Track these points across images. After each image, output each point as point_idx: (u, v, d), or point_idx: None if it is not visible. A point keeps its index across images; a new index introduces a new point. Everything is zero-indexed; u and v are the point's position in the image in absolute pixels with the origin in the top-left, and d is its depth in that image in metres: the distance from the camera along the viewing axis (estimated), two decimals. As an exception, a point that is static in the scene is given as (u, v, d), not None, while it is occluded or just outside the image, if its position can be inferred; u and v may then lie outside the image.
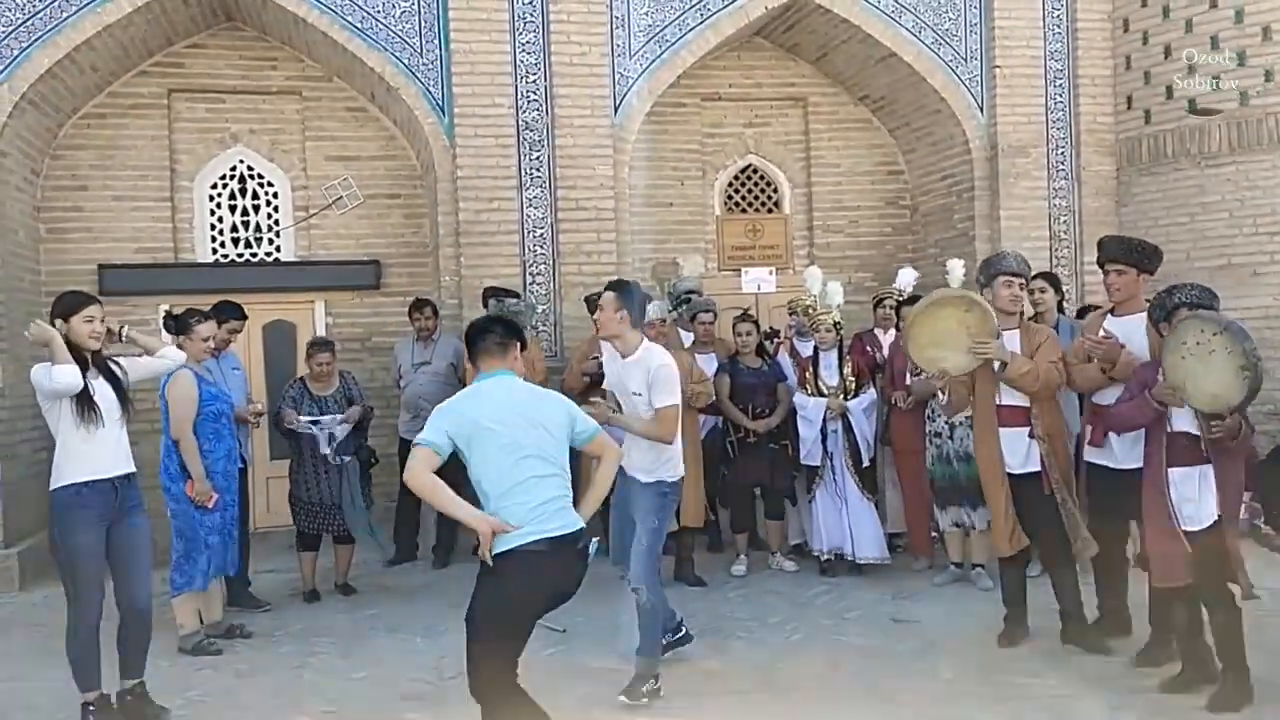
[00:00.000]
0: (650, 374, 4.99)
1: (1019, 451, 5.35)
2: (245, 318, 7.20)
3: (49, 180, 8.98)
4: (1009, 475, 5.36)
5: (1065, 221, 9.68)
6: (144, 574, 4.88)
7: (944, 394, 5.45)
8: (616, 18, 8.92)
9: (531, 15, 8.71)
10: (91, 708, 4.72)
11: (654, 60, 9.02)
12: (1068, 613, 5.43)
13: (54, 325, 4.70)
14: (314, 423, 6.94)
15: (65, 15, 7.94)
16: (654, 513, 5.13)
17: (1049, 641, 5.48)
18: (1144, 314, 5.08)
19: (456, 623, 6.25)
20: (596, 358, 7.53)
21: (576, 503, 3.91)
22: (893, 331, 7.71)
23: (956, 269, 7.30)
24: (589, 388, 7.04)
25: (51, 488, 4.66)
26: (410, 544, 8.15)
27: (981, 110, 9.65)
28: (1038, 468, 5.32)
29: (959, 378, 5.38)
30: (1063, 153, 9.69)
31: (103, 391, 4.74)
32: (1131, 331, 5.12)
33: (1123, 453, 5.09)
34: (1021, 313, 5.65)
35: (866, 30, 9.41)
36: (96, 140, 9.08)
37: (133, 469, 4.88)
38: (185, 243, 9.35)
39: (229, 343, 7.02)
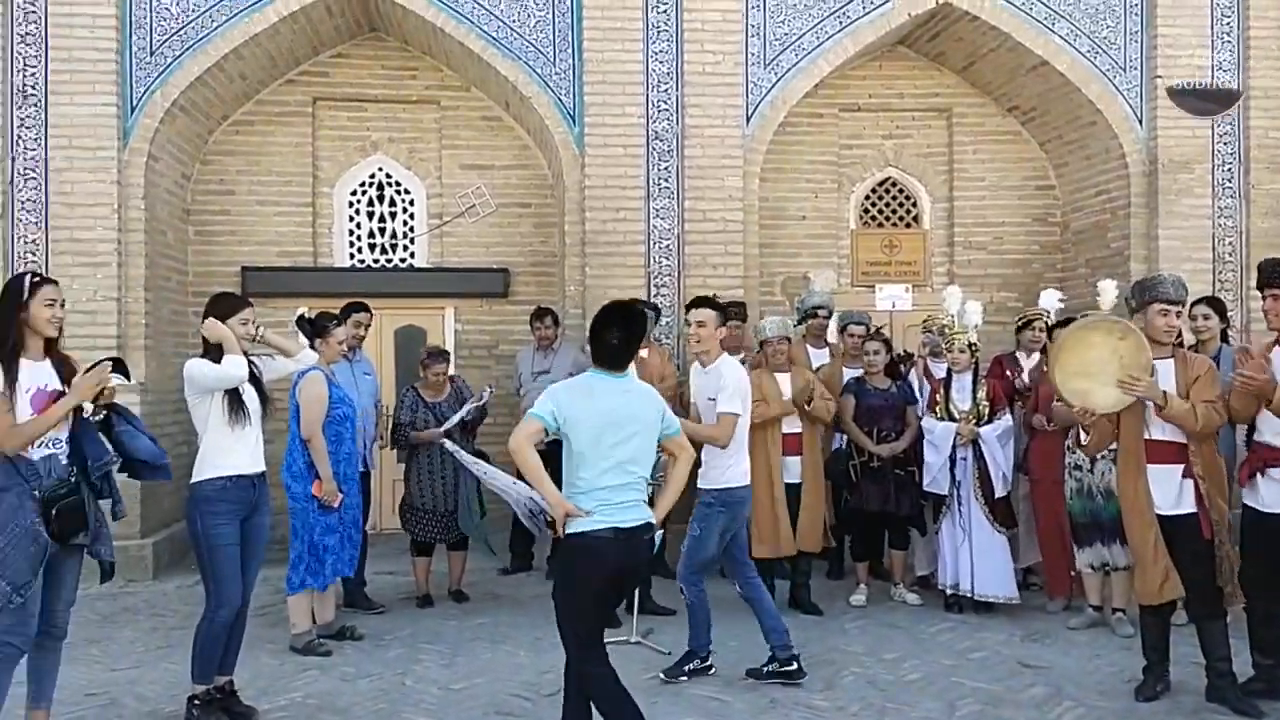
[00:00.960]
0: (721, 381, 5.33)
1: (1170, 492, 4.89)
2: (370, 312, 7.28)
3: (198, 184, 9.34)
4: (1158, 517, 4.91)
5: (1230, 243, 9.00)
6: (254, 572, 4.96)
7: (1085, 431, 5.04)
8: (752, 26, 8.74)
9: (666, 24, 8.61)
10: (197, 702, 4.79)
11: (789, 69, 8.80)
12: (1215, 668, 4.94)
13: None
14: (447, 435, 6.93)
15: (215, 25, 8.24)
16: (695, 520, 5.46)
17: (1192, 699, 5.02)
18: None
19: (560, 638, 6.25)
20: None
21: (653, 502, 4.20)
22: (1036, 355, 7.27)
23: (1109, 290, 6.81)
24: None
25: (194, 480, 4.78)
26: (526, 553, 8.12)
27: (1140, 123, 9.06)
28: (1192, 509, 4.86)
29: (1102, 416, 4.96)
30: (1230, 169, 9.02)
31: (249, 391, 4.87)
32: (1300, 363, 4.65)
33: (1270, 496, 4.61)
34: (1180, 341, 5.19)
35: (1017, 38, 8.97)
36: (244, 146, 9.41)
37: (265, 469, 4.97)
38: (324, 247, 9.59)
39: (361, 339, 7.12)
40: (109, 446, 4.30)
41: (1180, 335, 5.25)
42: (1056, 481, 6.53)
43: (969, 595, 6.67)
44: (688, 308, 5.68)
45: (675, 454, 4.29)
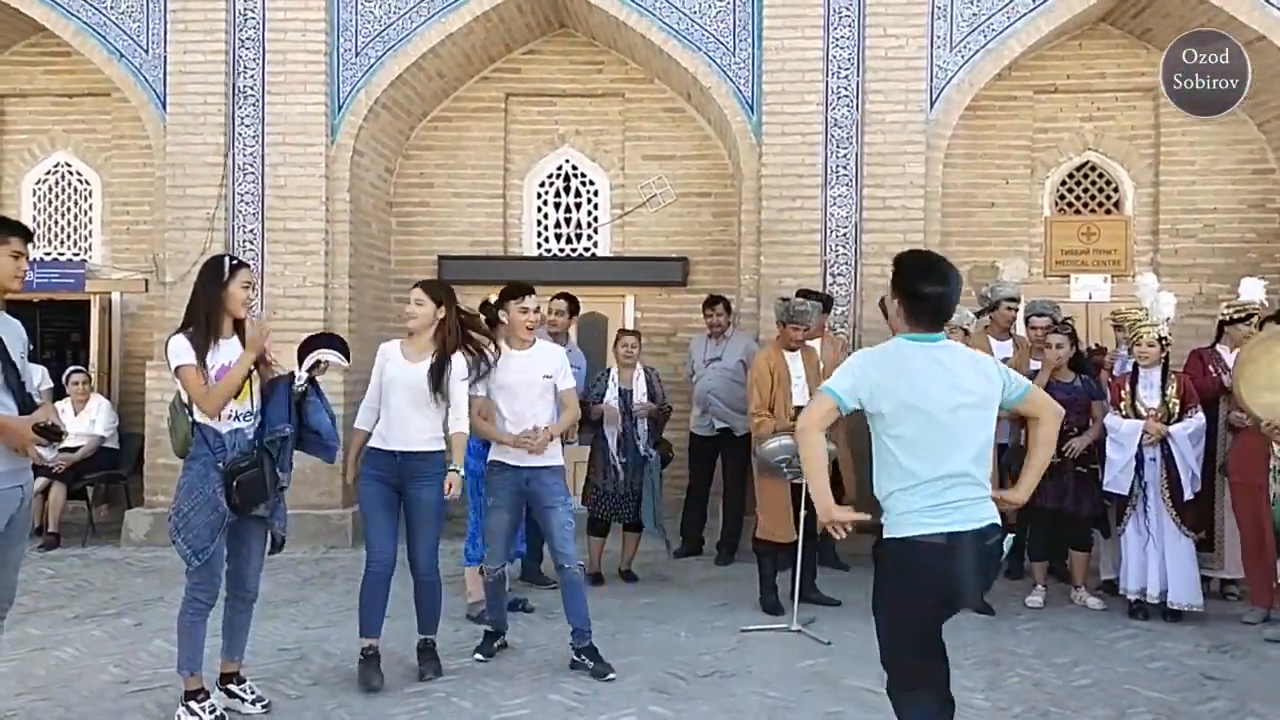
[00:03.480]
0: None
1: None
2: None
3: (400, 178, 9.91)
4: None
5: None
6: (427, 543, 5.22)
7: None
8: (939, 8, 8.51)
9: (848, 9, 8.50)
10: (365, 653, 5.13)
11: (977, 51, 8.52)
12: None
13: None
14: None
15: (415, 25, 8.72)
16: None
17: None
18: None
19: (725, 620, 6.34)
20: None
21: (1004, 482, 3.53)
22: (1238, 352, 6.78)
23: (1251, 288, 6.34)
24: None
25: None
26: (697, 538, 8.24)
27: (1375, 98, 8.29)
28: None
29: None
30: None
31: (410, 377, 5.10)
32: None
33: None
34: None
35: (1230, 12, 8.36)
36: (442, 141, 9.91)
37: (426, 449, 5.11)
38: (514, 237, 9.99)
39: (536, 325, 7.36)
40: (289, 419, 4.57)
41: None
42: (1256, 486, 6.09)
43: (1156, 602, 6.34)
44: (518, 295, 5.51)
45: (1037, 414, 3.48)
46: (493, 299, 6.71)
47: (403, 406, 5.10)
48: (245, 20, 8.66)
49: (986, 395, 3.32)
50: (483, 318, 6.60)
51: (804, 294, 7.22)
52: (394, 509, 5.16)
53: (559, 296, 7.63)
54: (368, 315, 9.30)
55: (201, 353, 4.42)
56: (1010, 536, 3.41)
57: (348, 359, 4.77)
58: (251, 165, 8.65)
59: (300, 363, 4.68)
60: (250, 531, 4.60)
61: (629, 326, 9.63)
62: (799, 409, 6.43)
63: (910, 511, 3.24)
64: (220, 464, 4.39)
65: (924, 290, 3.30)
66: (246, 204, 8.67)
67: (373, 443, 5.15)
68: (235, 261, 4.57)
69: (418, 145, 9.93)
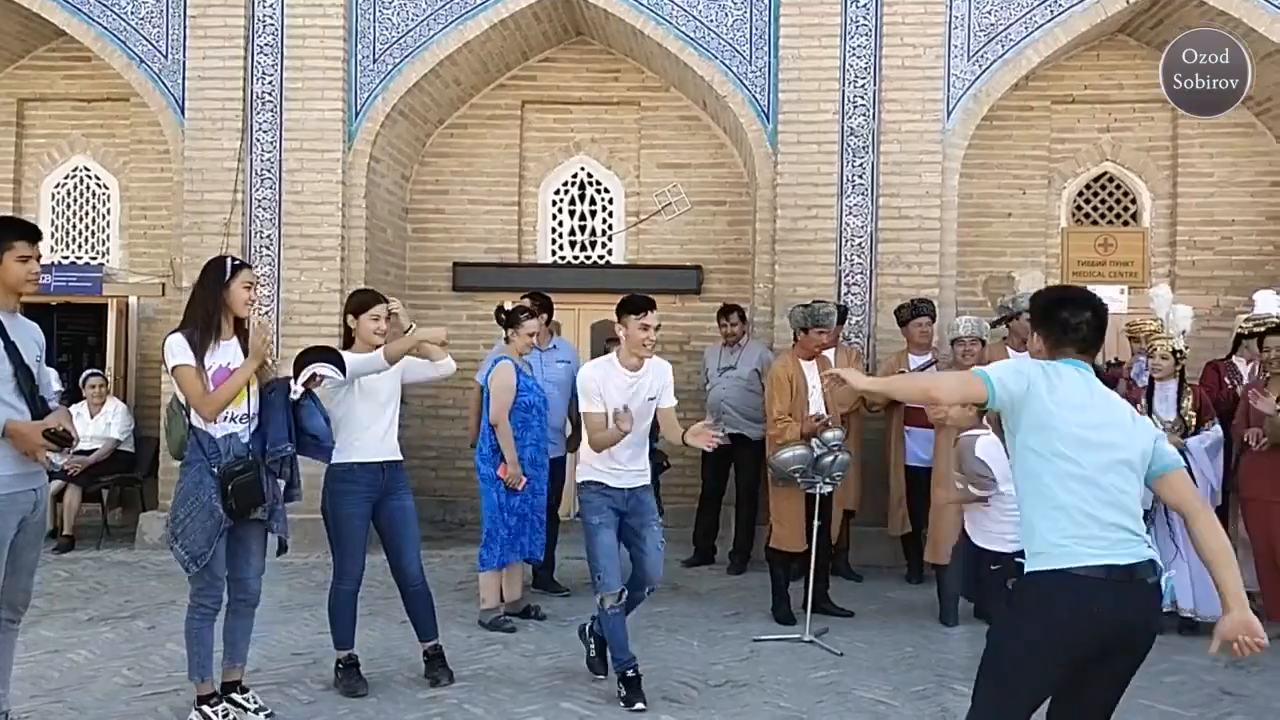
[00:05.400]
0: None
1: None
2: (547, 303, 7.43)
3: (416, 185, 9.94)
4: None
5: None
6: (411, 551, 5.23)
7: None
8: (956, 17, 8.50)
9: (865, 18, 8.50)
10: (340, 666, 5.12)
11: (994, 61, 8.50)
12: None
13: (345, 321, 5.24)
14: None
15: (432, 33, 8.75)
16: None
17: None
18: None
19: (737, 630, 6.32)
20: (903, 371, 7.24)
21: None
22: (1253, 365, 6.75)
23: (1268, 301, 6.30)
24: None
25: (330, 463, 5.03)
26: (708, 547, 8.22)
27: (1395, 111, 8.24)
28: None
29: None
30: None
31: (384, 384, 5.12)
32: None
33: None
34: None
35: (1249, 24, 8.32)
36: (458, 149, 9.94)
37: (399, 458, 5.22)
38: (529, 244, 10.01)
39: (547, 330, 7.33)
40: (290, 429, 4.58)
41: None
42: (1269, 501, 6.05)
43: (1180, 615, 6.29)
44: (640, 309, 5.13)
45: (1186, 511, 3.12)
46: (507, 305, 6.74)
47: (378, 414, 5.12)
48: (264, 27, 8.70)
49: (1134, 444, 3.09)
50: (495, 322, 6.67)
51: (827, 304, 7.21)
52: (369, 523, 5.15)
53: (531, 296, 7.50)
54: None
55: (200, 352, 4.40)
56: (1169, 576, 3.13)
57: (343, 373, 4.78)
58: (269, 171, 8.69)
59: (296, 376, 4.69)
60: (250, 534, 4.58)
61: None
62: (814, 417, 6.42)
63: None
64: (215, 469, 4.37)
65: (1066, 318, 3.18)
66: (263, 209, 8.71)
67: (350, 458, 5.02)
68: (237, 262, 4.59)
69: (434, 152, 9.96)
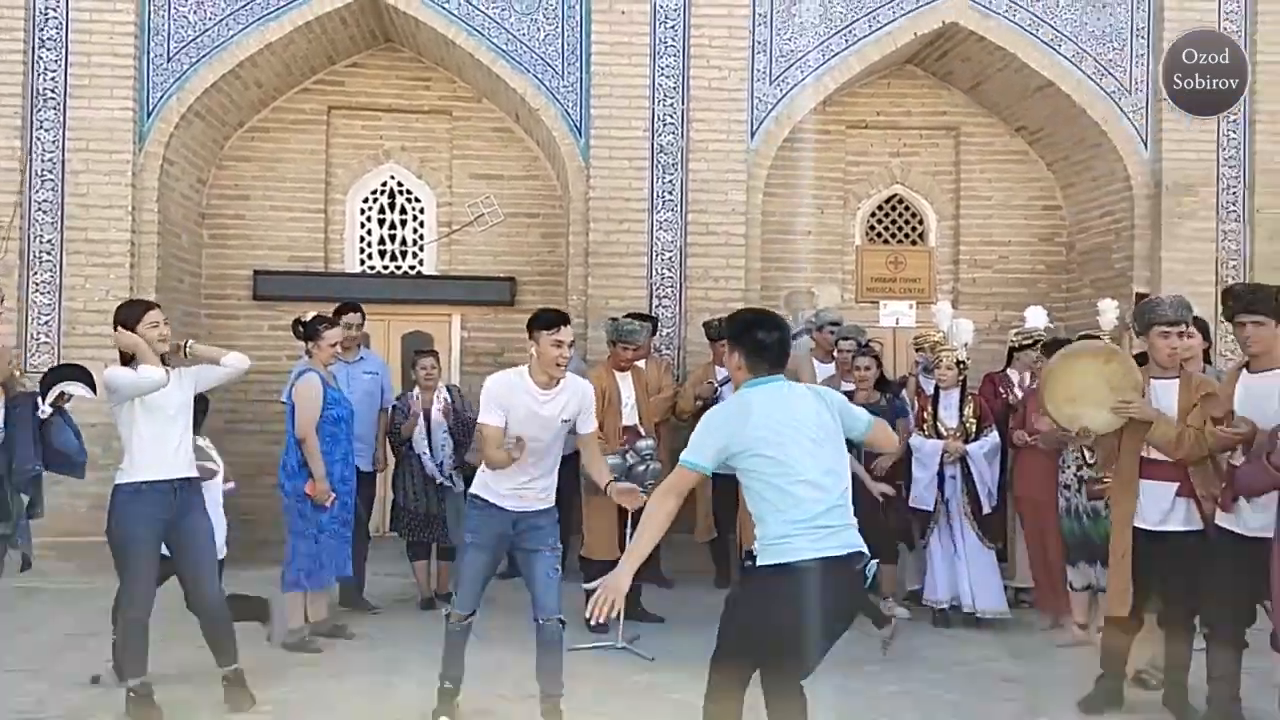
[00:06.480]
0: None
1: (1161, 508, 4.93)
2: (361, 312, 7.34)
3: (213, 189, 9.53)
4: (1146, 533, 4.96)
5: (1234, 266, 9.01)
6: (208, 572, 5.05)
7: (1089, 451, 5.09)
8: (759, 42, 8.85)
9: (673, 39, 8.73)
10: (133, 696, 4.86)
11: (795, 86, 8.89)
12: (1172, 677, 5.07)
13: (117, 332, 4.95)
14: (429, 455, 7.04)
15: (232, 33, 8.44)
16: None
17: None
18: None
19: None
20: (711, 382, 7.46)
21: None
22: (1028, 374, 7.31)
23: (1109, 310, 6.89)
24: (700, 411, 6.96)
25: (116, 483, 4.83)
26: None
27: (1145, 145, 9.10)
28: (1181, 527, 4.91)
29: (1105, 435, 5.02)
30: (1234, 193, 9.03)
31: (169, 397, 4.88)
32: (1270, 391, 4.65)
33: (1254, 520, 4.63)
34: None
35: (1023, 59, 9.02)
36: (259, 152, 9.59)
37: (194, 474, 5.04)
38: (335, 253, 9.76)
39: (354, 339, 7.19)
40: (36, 447, 4.43)
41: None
42: (1042, 503, 6.58)
43: (964, 610, 6.72)
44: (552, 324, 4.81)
45: (884, 446, 4.14)
46: (305, 317, 6.53)
47: (167, 429, 4.90)
48: (47, 20, 8.16)
49: (828, 426, 3.55)
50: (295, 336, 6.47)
51: (632, 316, 7.35)
52: (160, 545, 4.94)
53: (351, 309, 7.35)
54: (177, 332, 8.77)
55: None
56: (874, 561, 3.61)
57: (93, 390, 4.59)
58: (50, 172, 8.14)
59: (44, 395, 4.51)
60: None
61: (455, 346, 9.60)
62: (628, 429, 6.54)
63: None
64: None
65: (757, 337, 3.56)
66: (44, 212, 8.15)
67: (136, 477, 4.80)
68: None
69: (233, 155, 9.57)
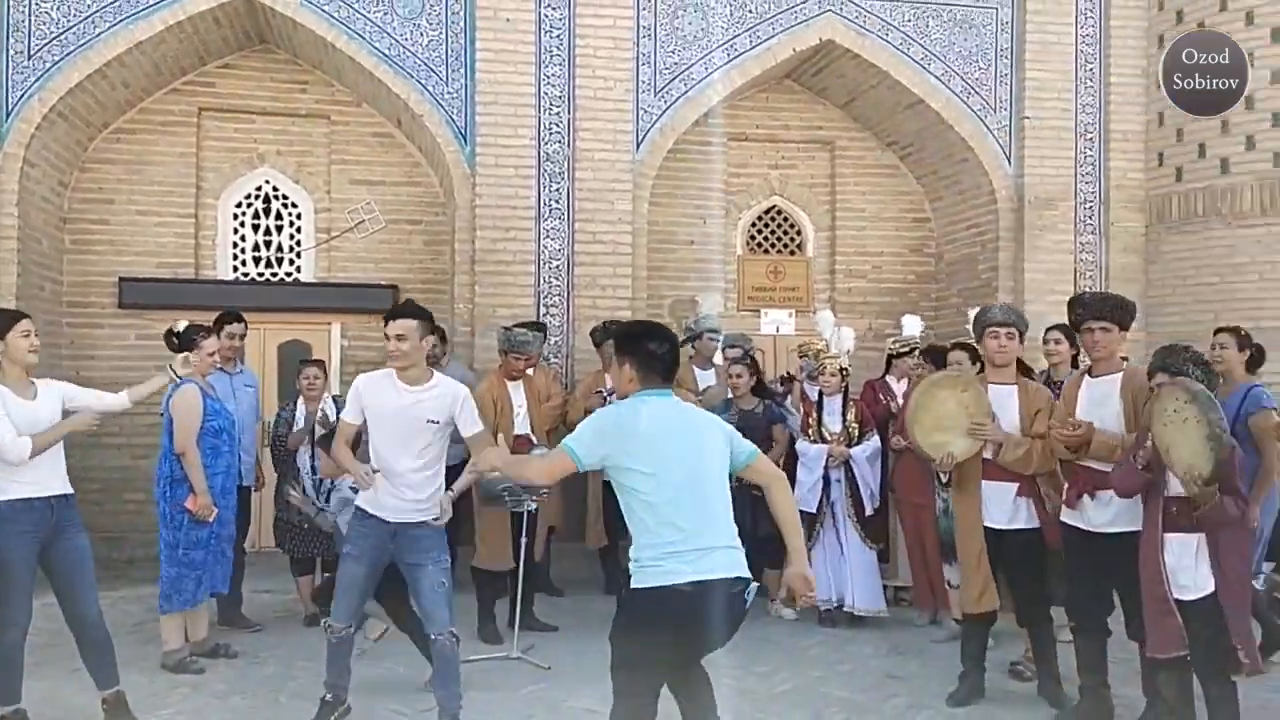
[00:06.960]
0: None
1: (1004, 508, 5.24)
2: (245, 322, 7.14)
3: (76, 192, 9.11)
4: (996, 531, 5.23)
5: (1091, 277, 9.53)
6: (88, 591, 4.86)
7: (944, 474, 5.36)
8: (643, 54, 8.95)
9: (558, 49, 8.76)
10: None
11: (679, 98, 9.03)
12: (1045, 670, 5.35)
13: None
14: (319, 510, 6.77)
15: (98, 31, 8.09)
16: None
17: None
18: (1120, 374, 4.98)
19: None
20: (600, 391, 7.50)
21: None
22: (905, 381, 7.58)
23: (911, 325, 7.31)
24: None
25: None
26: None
27: (1009, 161, 9.55)
28: (1024, 525, 5.22)
29: (968, 460, 5.28)
30: (1090, 207, 9.57)
31: (40, 414, 4.74)
32: (1108, 394, 4.98)
33: (1098, 516, 4.91)
34: (1026, 372, 5.67)
35: (895, 76, 9.37)
36: (125, 155, 9.21)
37: (70, 491, 4.87)
38: (207, 259, 9.44)
39: (236, 350, 6.99)
40: None
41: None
42: (918, 504, 6.82)
43: (846, 610, 6.92)
44: (387, 319, 4.80)
45: (768, 484, 3.70)
46: (178, 327, 6.29)
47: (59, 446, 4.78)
48: (-106, 10, 7.70)
49: (717, 449, 3.57)
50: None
51: (523, 325, 7.33)
52: (36, 565, 4.75)
53: (234, 319, 7.12)
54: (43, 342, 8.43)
55: None
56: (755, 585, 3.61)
57: None
58: (-101, 172, 7.67)
59: None
60: None
61: (336, 355, 9.40)
62: (519, 437, 6.52)
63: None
64: None
65: (649, 348, 3.56)
66: (-108, 215, 7.67)
67: (9, 494, 4.62)
68: None
69: (97, 158, 9.17)
